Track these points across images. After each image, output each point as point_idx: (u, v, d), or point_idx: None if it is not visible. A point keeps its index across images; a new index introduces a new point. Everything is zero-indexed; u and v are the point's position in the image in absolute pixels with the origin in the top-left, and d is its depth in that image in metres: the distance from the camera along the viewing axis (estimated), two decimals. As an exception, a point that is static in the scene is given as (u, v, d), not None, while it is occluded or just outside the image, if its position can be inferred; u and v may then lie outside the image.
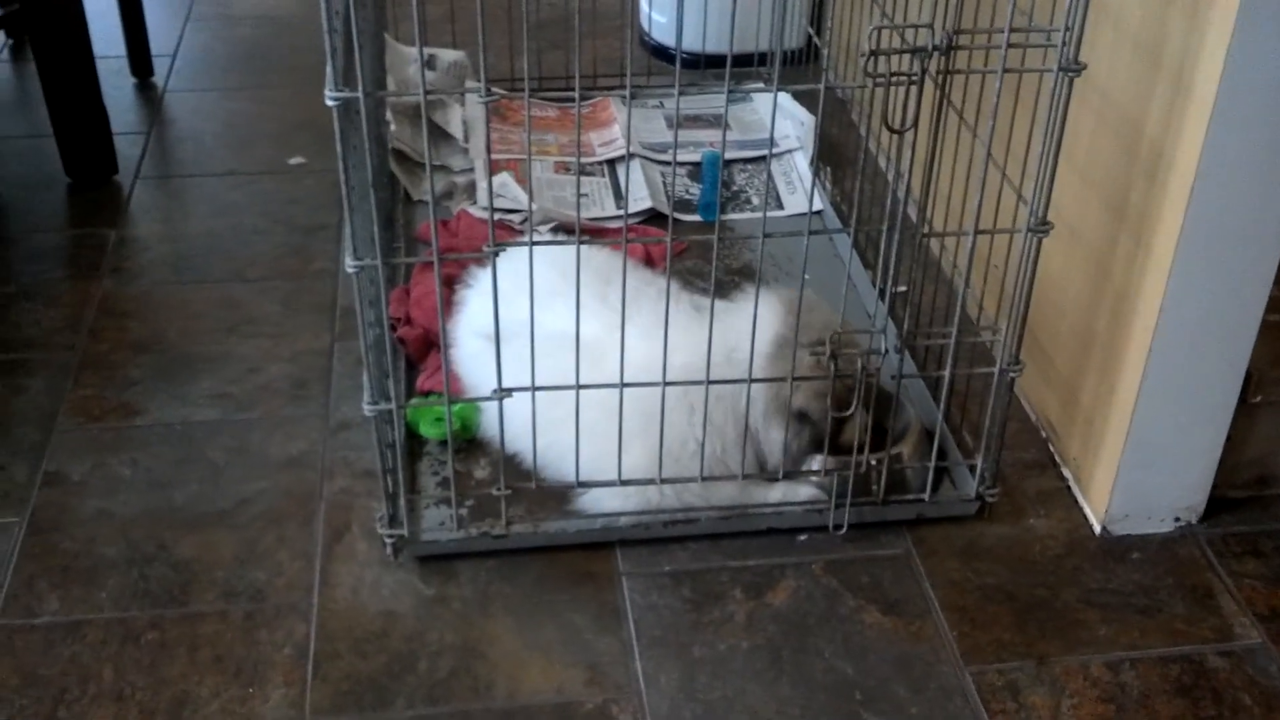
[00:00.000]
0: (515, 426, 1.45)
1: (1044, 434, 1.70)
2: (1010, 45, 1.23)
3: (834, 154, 2.22)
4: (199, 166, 2.27)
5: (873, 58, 1.23)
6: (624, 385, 1.38)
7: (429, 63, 2.37)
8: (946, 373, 1.45)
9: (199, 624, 1.39)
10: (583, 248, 1.37)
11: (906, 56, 1.25)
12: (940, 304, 1.67)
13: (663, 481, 1.46)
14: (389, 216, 2.03)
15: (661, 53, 2.63)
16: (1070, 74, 1.26)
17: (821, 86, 1.29)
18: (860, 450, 1.48)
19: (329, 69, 1.18)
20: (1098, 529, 1.55)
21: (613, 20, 2.64)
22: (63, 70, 2.09)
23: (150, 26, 2.56)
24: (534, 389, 1.38)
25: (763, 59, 2.49)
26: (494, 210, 2.08)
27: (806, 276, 1.41)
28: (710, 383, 1.41)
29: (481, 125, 2.29)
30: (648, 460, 1.46)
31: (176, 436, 1.66)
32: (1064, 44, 1.24)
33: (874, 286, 1.87)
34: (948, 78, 1.26)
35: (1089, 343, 1.56)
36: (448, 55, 2.37)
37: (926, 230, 1.36)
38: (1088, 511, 1.57)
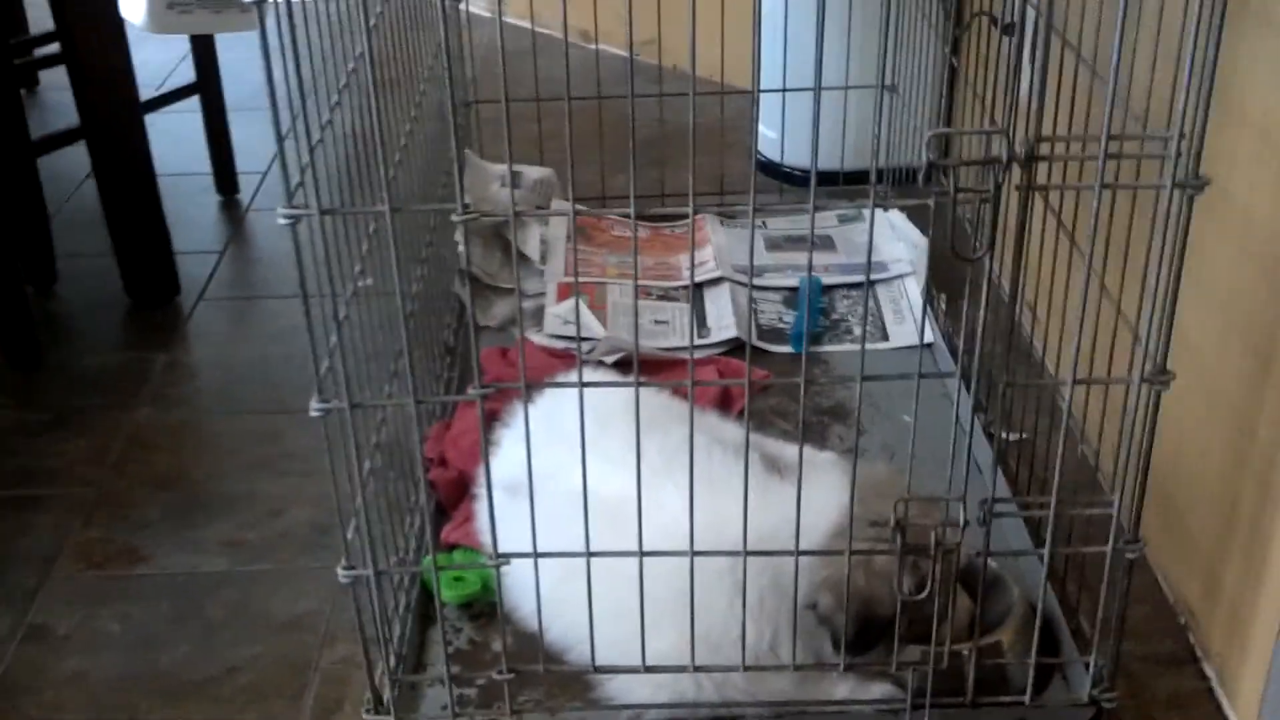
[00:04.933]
0: (536, 599, 1.24)
1: (1183, 620, 1.41)
2: (1108, 156, 1.00)
3: (953, 280, 1.97)
4: (266, 288, 2.16)
5: (939, 169, 1.01)
6: (643, 554, 1.16)
7: (513, 180, 2.23)
8: (1045, 552, 1.19)
9: (151, 818, 1.21)
10: (640, 389, 1.15)
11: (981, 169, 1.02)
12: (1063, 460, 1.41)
13: (696, 669, 1.22)
14: (446, 345, 1.86)
15: (769, 169, 2.43)
16: (1189, 190, 1.01)
17: (931, 201, 1.07)
18: (946, 640, 1.22)
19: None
20: (1247, 746, 1.26)
21: (714, 137, 2.47)
22: (123, 189, 2.03)
23: (243, 144, 2.48)
24: (535, 555, 1.17)
25: (880, 177, 2.27)
26: (556, 339, 1.91)
27: (906, 418, 1.17)
28: (749, 554, 1.17)
29: (562, 246, 2.13)
30: (682, 648, 1.22)
31: (177, 588, 1.50)
32: (1179, 154, 1.00)
33: (985, 434, 1.62)
34: (1030, 194, 1.02)
35: (1232, 514, 1.28)
36: (533, 172, 2.22)
37: (1009, 379, 1.12)
38: (1234, 722, 1.28)
